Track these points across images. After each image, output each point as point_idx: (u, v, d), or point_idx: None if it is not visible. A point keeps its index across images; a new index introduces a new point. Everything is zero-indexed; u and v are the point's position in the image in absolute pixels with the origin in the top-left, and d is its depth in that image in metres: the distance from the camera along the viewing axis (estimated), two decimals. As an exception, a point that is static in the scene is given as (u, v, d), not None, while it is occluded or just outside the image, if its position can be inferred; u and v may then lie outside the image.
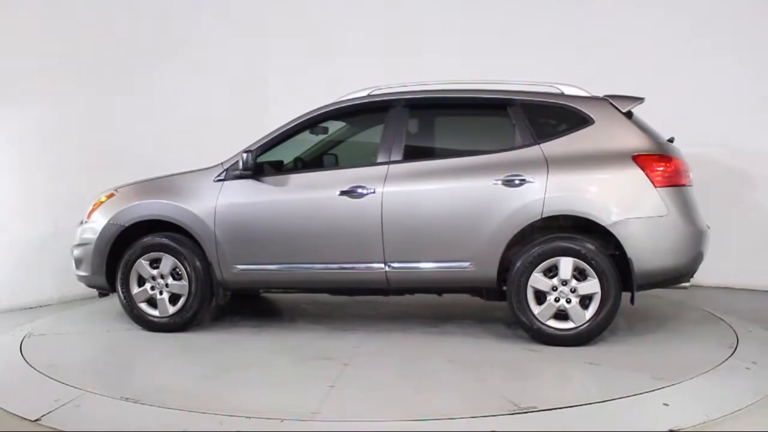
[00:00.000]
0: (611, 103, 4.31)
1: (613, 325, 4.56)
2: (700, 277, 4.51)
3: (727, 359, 3.81)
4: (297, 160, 5.03)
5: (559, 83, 4.47)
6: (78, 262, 4.88)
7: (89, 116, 6.10)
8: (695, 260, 4.18)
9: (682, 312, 5.02)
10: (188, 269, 4.58)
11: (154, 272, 4.67)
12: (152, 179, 4.90)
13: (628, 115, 4.32)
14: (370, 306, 5.36)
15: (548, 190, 4.12)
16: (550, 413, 3.02)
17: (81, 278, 4.93)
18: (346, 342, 4.34)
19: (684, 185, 4.14)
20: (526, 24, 6.84)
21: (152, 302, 4.70)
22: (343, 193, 4.38)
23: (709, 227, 4.30)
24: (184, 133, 6.74)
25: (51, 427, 3.04)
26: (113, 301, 5.84)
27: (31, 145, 5.72)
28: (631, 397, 3.20)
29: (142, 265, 4.67)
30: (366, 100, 4.65)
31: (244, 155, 4.47)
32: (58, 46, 5.86)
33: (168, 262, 4.63)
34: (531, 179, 4.16)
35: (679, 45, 6.25)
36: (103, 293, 4.98)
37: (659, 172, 4.05)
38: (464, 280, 4.34)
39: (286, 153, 4.95)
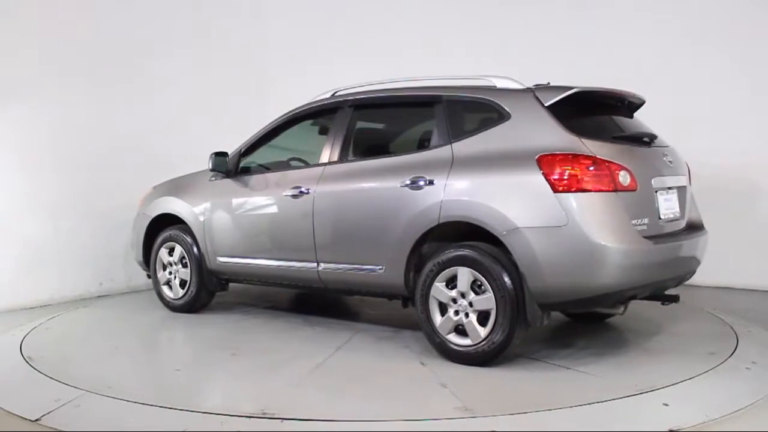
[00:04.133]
0: (535, 96, 3.83)
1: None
2: (701, 277, 4.50)
3: (727, 359, 3.80)
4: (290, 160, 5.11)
5: (494, 76, 4.06)
6: (132, 247, 5.73)
7: (90, 115, 6.09)
8: (618, 280, 3.51)
9: (682, 312, 5.01)
10: (190, 258, 5.14)
11: (170, 259, 5.30)
12: (176, 178, 5.51)
13: (599, 106, 3.94)
14: (384, 305, 5.32)
15: (446, 193, 3.81)
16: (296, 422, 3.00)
17: (137, 261, 5.70)
18: (284, 338, 4.51)
19: (601, 191, 3.50)
20: (530, 24, 6.85)
21: (170, 285, 5.37)
22: (286, 193, 4.57)
23: (689, 231, 4.05)
24: (187, 132, 6.75)
25: (51, 427, 3.03)
26: (111, 300, 5.88)
27: (31, 145, 5.71)
28: (631, 397, 3.20)
29: (163, 252, 5.34)
30: (323, 103, 4.72)
31: (213, 156, 4.90)
32: (59, 45, 5.85)
33: (178, 251, 5.24)
34: (433, 182, 3.88)
35: (679, 47, 6.24)
36: (149, 275, 5.58)
37: (562, 175, 3.49)
38: (378, 285, 4.22)
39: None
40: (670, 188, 3.98)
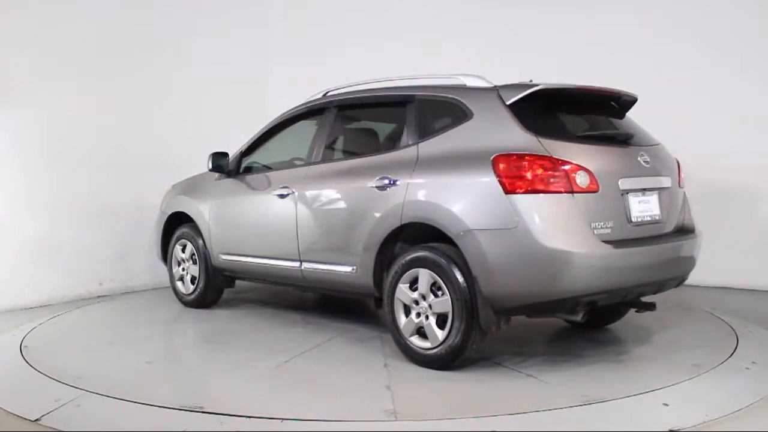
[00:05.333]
0: (498, 94, 3.73)
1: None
2: (701, 277, 4.49)
3: (727, 359, 3.80)
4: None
5: (465, 74, 3.97)
6: (154, 244, 5.90)
7: (90, 114, 6.08)
8: (570, 286, 3.35)
9: (682, 312, 5.01)
10: (198, 255, 5.32)
11: (183, 256, 5.50)
12: (190, 177, 5.62)
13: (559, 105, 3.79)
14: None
15: (408, 194, 3.78)
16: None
17: (158, 257, 5.90)
18: (271, 335, 4.60)
19: (555, 192, 3.37)
20: (530, 24, 6.87)
21: (183, 281, 5.55)
22: (275, 193, 4.65)
23: (676, 234, 3.93)
24: (188, 131, 6.73)
25: (51, 427, 3.03)
26: (111, 300, 5.88)
27: (32, 145, 5.70)
28: (631, 397, 3.20)
29: (177, 249, 5.54)
30: (314, 103, 4.76)
31: (212, 156, 5.02)
32: (58, 43, 5.84)
33: (189, 248, 5.41)
34: (397, 183, 3.86)
35: (679, 48, 6.24)
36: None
37: (515, 176, 3.39)
38: (351, 285, 4.22)
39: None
40: (646, 189, 3.78)
